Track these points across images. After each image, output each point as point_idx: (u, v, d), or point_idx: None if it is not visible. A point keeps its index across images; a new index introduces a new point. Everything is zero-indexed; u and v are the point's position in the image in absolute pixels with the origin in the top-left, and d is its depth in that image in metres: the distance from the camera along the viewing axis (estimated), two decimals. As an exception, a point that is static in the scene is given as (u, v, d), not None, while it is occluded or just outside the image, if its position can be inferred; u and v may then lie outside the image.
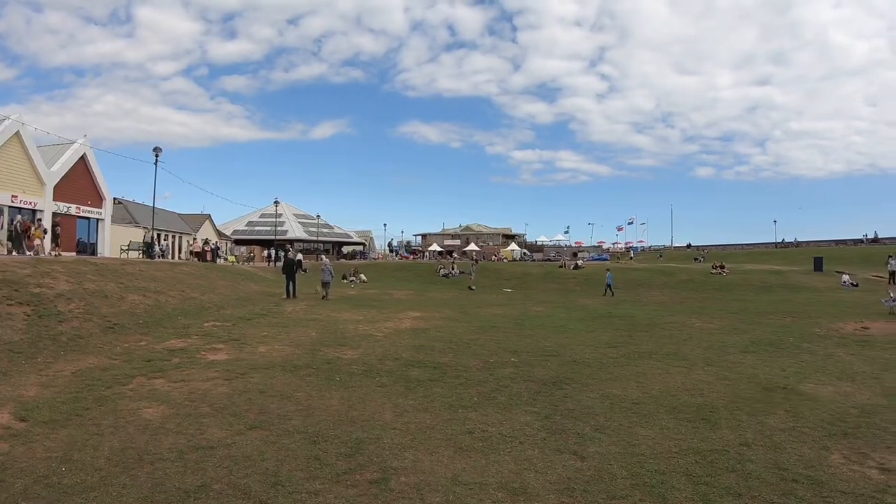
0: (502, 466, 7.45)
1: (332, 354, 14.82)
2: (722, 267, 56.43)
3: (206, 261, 46.47)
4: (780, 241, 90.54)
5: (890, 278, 43.06)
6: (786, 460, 7.77)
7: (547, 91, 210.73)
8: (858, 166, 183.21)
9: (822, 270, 53.97)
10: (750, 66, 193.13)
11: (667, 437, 8.71)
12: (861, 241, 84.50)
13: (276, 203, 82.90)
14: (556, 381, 12.22)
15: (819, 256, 58.87)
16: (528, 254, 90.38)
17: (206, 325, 19.25)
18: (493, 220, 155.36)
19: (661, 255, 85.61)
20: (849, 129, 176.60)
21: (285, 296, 29.50)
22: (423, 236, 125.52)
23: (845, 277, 45.14)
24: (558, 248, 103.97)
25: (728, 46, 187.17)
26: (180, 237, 71.25)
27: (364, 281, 49.51)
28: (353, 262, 77.28)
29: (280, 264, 41.74)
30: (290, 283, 29.86)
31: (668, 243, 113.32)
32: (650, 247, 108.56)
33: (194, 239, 69.61)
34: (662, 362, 14.75)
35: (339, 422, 9.07)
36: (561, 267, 62.14)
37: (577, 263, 64.25)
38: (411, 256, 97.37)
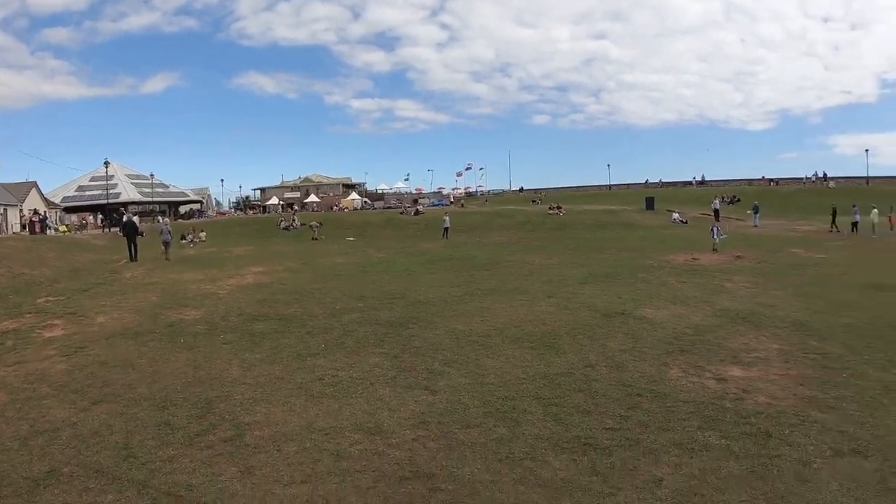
0: (356, 409, 8.14)
1: (174, 317, 15.06)
2: (558, 208, 61.48)
3: (35, 233, 47.71)
4: (693, 179, 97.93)
5: (714, 216, 50.12)
6: (629, 377, 9.23)
7: (386, 40, 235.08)
8: (688, 116, 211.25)
9: (653, 209, 61.08)
10: (588, 22, 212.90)
11: (514, 366, 9.90)
12: (690, 183, 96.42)
13: (107, 164, 77.67)
14: (402, 322, 13.27)
15: (650, 196, 66.37)
16: (369, 202, 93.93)
17: (39, 301, 18.48)
18: (332, 170, 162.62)
19: (486, 200, 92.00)
20: (679, 83, 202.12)
21: (129, 259, 31.04)
22: (262, 190, 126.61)
23: (675, 215, 51.74)
24: (399, 196, 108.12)
25: (568, 3, 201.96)
26: (5, 209, 63.45)
27: (203, 240, 51.51)
28: (190, 221, 75.80)
29: (117, 229, 43.67)
30: (132, 245, 31.52)
31: (506, 187, 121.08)
32: (489, 191, 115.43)
33: (23, 210, 63.98)
34: (505, 297, 16.24)
35: (186, 384, 9.33)
36: (402, 214, 65.48)
37: (417, 209, 67.47)
38: (251, 212, 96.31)
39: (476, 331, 12.21)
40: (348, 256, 31.70)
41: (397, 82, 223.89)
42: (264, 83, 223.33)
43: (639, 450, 6.83)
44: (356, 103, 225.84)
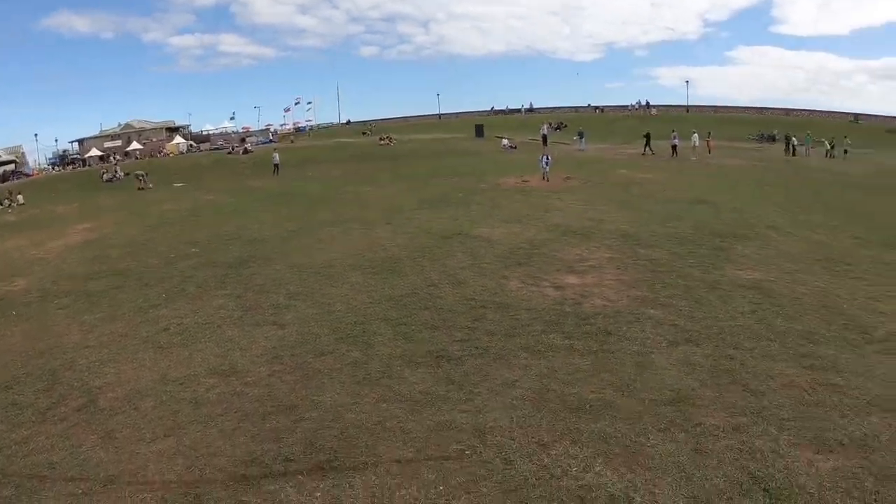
0: (207, 353, 8.21)
1: (1, 290, 13.79)
2: (389, 139, 61.77)
3: None
4: (522, 107, 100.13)
5: (543, 141, 52.88)
6: (471, 292, 9.94)
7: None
8: (517, 47, 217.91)
9: (483, 136, 63.11)
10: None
11: (359, 292, 10.29)
12: (518, 110, 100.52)
13: None
14: (241, 262, 13.23)
15: (479, 124, 68.45)
16: (195, 145, 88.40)
17: None
18: (154, 114, 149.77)
19: (309, 135, 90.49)
20: (508, 14, 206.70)
21: None
22: (81, 142, 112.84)
23: (505, 141, 53.88)
24: (226, 136, 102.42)
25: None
26: None
27: (22, 203, 44.90)
28: (6, 184, 66.05)
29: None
30: None
31: (335, 120, 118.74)
32: (318, 125, 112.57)
33: None
34: (342, 228, 16.44)
35: (27, 358, 8.82)
36: (230, 153, 63.77)
37: (245, 148, 66.11)
38: (70, 167, 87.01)
39: (317, 262, 12.44)
40: (178, 203, 30.17)
41: (220, 16, 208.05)
42: (77, 24, 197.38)
43: (489, 357, 7.51)
44: (176, 40, 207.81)
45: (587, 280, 10.45)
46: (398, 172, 34.69)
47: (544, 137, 52.25)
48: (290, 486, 5.27)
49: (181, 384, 7.29)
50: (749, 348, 7.76)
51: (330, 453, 5.75)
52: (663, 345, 7.89)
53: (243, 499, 5.13)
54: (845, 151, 41.50)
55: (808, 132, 45.35)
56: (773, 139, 55.04)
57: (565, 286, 10.12)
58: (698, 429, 6.01)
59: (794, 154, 41.63)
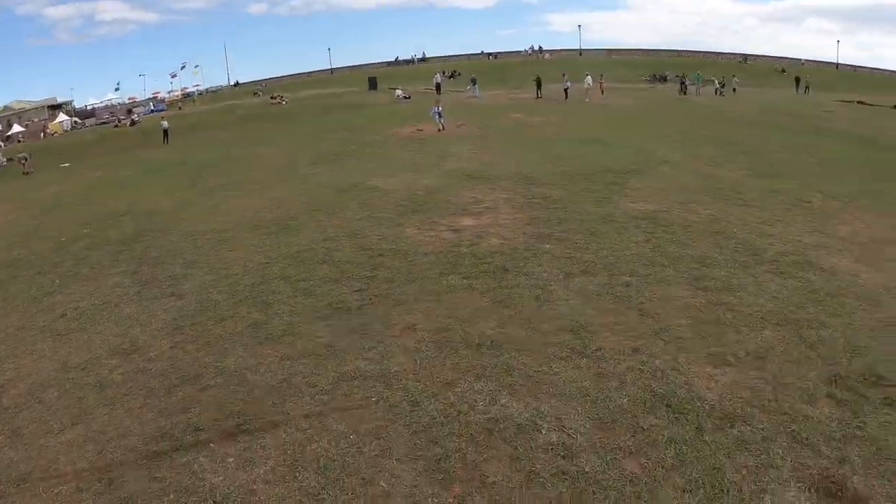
0: (106, 334, 7.77)
1: None
2: (280, 97, 59.97)
3: None
4: (414, 56, 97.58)
5: (436, 90, 52.51)
6: (368, 242, 9.86)
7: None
8: None
9: (376, 89, 62.10)
10: None
11: (256, 253, 9.99)
12: (411, 60, 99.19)
13: None
14: (133, 237, 12.48)
15: (373, 77, 67.23)
16: (80, 121, 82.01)
17: None
18: (35, 93, 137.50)
19: (194, 101, 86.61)
20: None
21: None
22: None
23: (398, 92, 53.25)
24: (112, 109, 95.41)
25: None
26: None
27: None
28: None
29: None
30: None
31: (224, 83, 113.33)
32: (207, 89, 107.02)
33: None
34: (237, 191, 15.88)
35: None
36: (116, 126, 61.20)
37: (133, 119, 62.69)
38: None
39: (212, 228, 11.95)
40: (65, 183, 27.95)
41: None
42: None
43: (389, 304, 7.47)
44: (51, 11, 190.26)
45: (483, 221, 10.53)
46: (291, 131, 33.73)
47: (437, 86, 52.01)
48: (203, 456, 5.08)
49: (83, 370, 6.90)
50: (644, 275, 8.07)
51: (239, 417, 5.58)
52: (560, 277, 8.07)
53: (157, 475, 4.91)
54: (734, 90, 43.67)
55: (699, 72, 47.24)
56: (664, 80, 56.93)
57: (462, 228, 10.17)
58: (599, 353, 6.21)
59: (685, 93, 43.27)
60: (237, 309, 7.85)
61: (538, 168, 15.05)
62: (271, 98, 61.33)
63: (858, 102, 40.20)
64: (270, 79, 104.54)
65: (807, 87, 48.60)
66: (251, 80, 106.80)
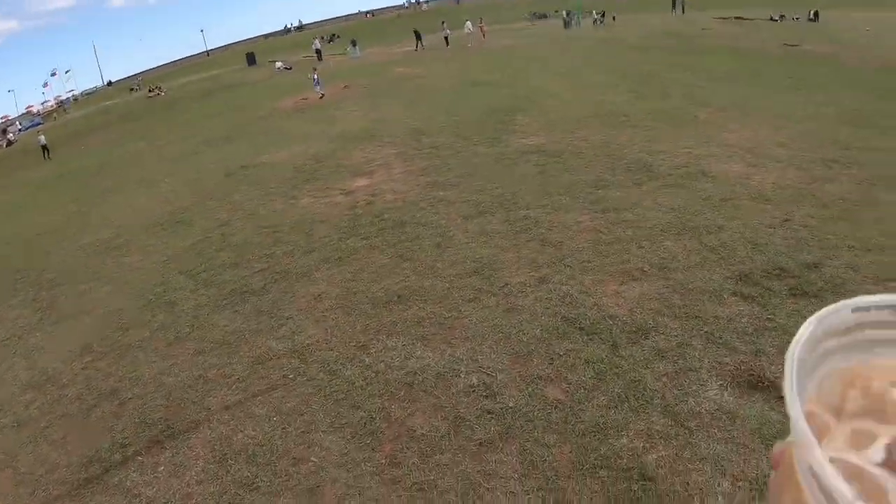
0: (16, 369, 7.11)
1: None
2: (158, 88, 56.97)
3: None
4: (290, 25, 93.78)
5: (317, 56, 50.92)
6: (264, 221, 9.50)
7: None
8: None
9: (256, 64, 59.62)
10: None
11: (153, 253, 9.43)
12: (288, 30, 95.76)
13: None
14: (27, 262, 11.24)
15: (250, 52, 64.39)
16: None
17: None
18: None
19: (66, 109, 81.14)
20: None
21: None
22: None
23: (278, 64, 51.27)
24: None
25: None
26: None
27: None
28: None
29: None
30: None
31: (99, 84, 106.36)
32: (82, 93, 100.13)
33: None
34: (125, 193, 14.96)
35: None
36: None
37: (8, 140, 57.71)
38: None
39: (105, 237, 11.10)
40: None
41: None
42: None
43: (292, 278, 7.20)
44: None
45: (376, 179, 10.29)
46: (173, 121, 32.05)
47: (318, 52, 50.59)
48: (133, 471, 4.79)
49: (0, 410, 6.36)
50: (541, 206, 8.08)
51: (162, 424, 5.28)
52: (459, 222, 7.99)
53: (92, 501, 4.60)
54: (613, 18, 44.15)
55: (579, 2, 47.50)
56: (545, 17, 56.92)
57: (355, 190, 9.91)
58: (506, 289, 6.20)
59: (566, 27, 43.43)
60: (142, 314, 7.38)
61: (426, 119, 14.80)
62: (149, 91, 58.09)
63: (736, 18, 41.37)
64: (146, 71, 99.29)
65: (683, 8, 49.78)
66: (126, 75, 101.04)
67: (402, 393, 4.96)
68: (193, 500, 4.40)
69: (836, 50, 23.53)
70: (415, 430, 4.58)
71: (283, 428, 4.89)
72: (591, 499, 3.82)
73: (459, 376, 5.02)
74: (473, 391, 4.85)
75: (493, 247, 7.12)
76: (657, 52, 24.26)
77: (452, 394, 4.85)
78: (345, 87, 25.35)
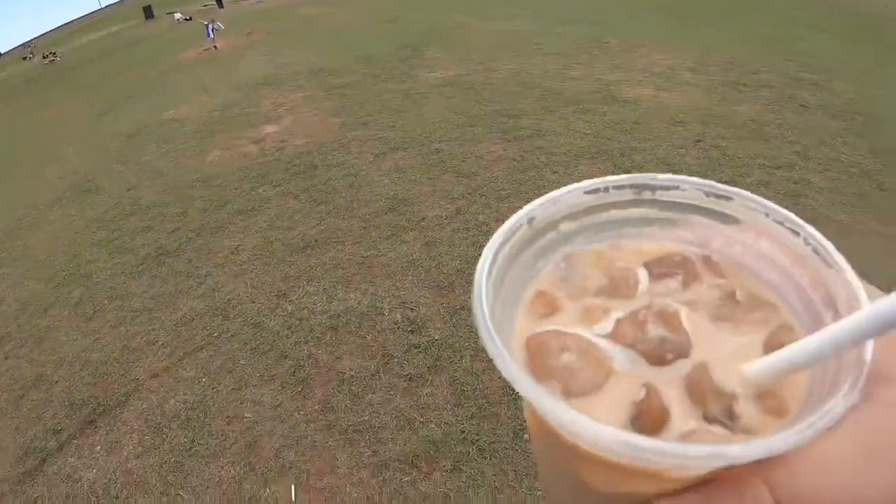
0: None
1: None
2: (53, 54, 53.02)
3: None
4: None
5: (218, 3, 48.00)
6: (172, 179, 8.95)
7: None
8: None
9: (154, 17, 55.92)
10: None
11: (62, 228, 8.78)
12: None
13: None
14: None
15: (147, 5, 60.16)
16: None
17: None
18: None
19: None
20: None
21: None
22: None
23: (178, 15, 48.10)
24: None
25: None
26: None
27: None
28: None
29: None
30: None
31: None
32: None
33: None
34: (27, 168, 13.64)
35: None
36: None
37: None
38: None
39: (9, 218, 10.19)
40: None
41: None
42: None
43: (207, 234, 6.83)
44: None
45: (285, 125, 9.77)
46: (71, 87, 29.89)
47: (218, 1, 47.86)
48: (71, 456, 4.53)
49: None
50: (454, 138, 7.85)
51: (92, 403, 4.98)
52: (371, 159, 7.69)
53: (35, 494, 4.33)
54: None
55: None
56: None
57: (264, 137, 9.39)
58: (423, 224, 6.03)
59: None
60: (58, 292, 6.84)
61: (333, 59, 14.07)
62: (44, 57, 53.91)
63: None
64: (38, 37, 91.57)
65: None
66: (16, 44, 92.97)
67: (328, 337, 4.81)
68: (134, 476, 4.21)
69: None
70: (344, 373, 4.46)
71: (214, 388, 4.70)
72: (524, 423, 3.82)
73: (383, 314, 4.90)
74: (398, 328, 4.73)
75: (407, 182, 6.90)
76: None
77: (378, 332, 4.73)
78: (248, 33, 24.04)
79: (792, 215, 0.37)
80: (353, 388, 4.33)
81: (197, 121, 11.55)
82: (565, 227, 0.43)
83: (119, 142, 12.09)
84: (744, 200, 0.39)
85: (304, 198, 7.00)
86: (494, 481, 3.64)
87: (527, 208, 0.42)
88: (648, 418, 0.33)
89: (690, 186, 0.41)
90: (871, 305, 0.29)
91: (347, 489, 3.77)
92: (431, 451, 3.86)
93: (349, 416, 4.15)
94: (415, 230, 5.93)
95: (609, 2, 17.96)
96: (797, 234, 0.37)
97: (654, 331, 0.37)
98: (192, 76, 17.67)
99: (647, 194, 0.42)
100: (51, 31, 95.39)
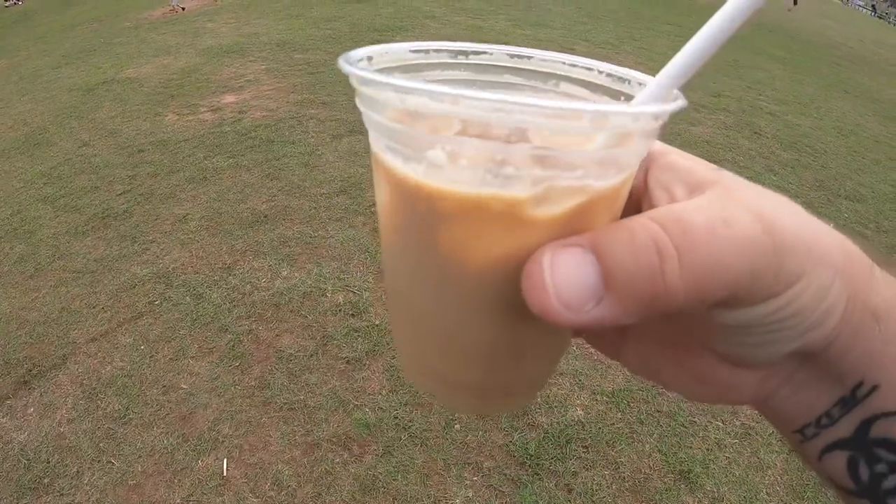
0: None
1: None
2: (11, -5, 49.33)
3: None
4: None
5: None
6: (126, 140, 8.41)
7: None
8: None
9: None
10: None
11: (7, 180, 8.10)
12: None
13: None
14: None
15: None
16: None
17: None
18: None
19: None
20: None
21: None
22: None
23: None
24: None
25: None
26: None
27: None
28: None
29: None
30: None
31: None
32: None
33: None
34: None
35: None
36: None
37: None
38: None
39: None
40: None
41: None
42: None
43: (156, 200, 6.45)
44: None
45: (245, 96, 9.27)
46: (32, 32, 28.08)
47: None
48: (2, 416, 4.18)
49: None
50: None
51: (28, 363, 4.61)
52: (328, 140, 7.40)
53: None
54: None
55: None
56: None
57: (223, 107, 8.89)
58: (373, 209, 5.83)
59: None
60: (4, 240, 6.39)
61: (300, 34, 13.49)
62: (5, 1, 50.43)
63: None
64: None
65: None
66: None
67: (270, 314, 4.60)
68: (66, 440, 3.94)
69: (718, 2, 23.59)
70: (283, 351, 4.28)
71: (151, 356, 4.45)
72: (453, 414, 3.75)
73: (326, 295, 4.72)
74: (340, 310, 4.57)
75: (361, 166, 6.64)
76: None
77: (319, 313, 4.55)
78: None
79: (582, 59, 0.42)
80: (291, 366, 4.17)
81: (156, 82, 10.87)
82: (397, 76, 0.44)
83: (74, 96, 11.34)
84: (540, 58, 0.43)
85: (258, 172, 6.67)
86: (423, 467, 3.56)
87: (363, 49, 0.44)
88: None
89: (497, 51, 0.45)
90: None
91: (279, 466, 3.64)
92: (364, 435, 3.75)
93: (285, 395, 3.99)
94: (364, 215, 5.74)
95: (581, 10, 17.90)
96: (590, 69, 0.41)
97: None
98: (155, 35, 16.76)
99: (461, 58, 0.45)
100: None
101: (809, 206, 5.13)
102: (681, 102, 0.34)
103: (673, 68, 0.34)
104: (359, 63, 0.43)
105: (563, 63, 0.42)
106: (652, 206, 0.37)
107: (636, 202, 0.39)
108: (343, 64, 0.37)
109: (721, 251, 0.30)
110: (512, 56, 0.44)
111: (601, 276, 0.31)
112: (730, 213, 0.32)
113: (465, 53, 0.45)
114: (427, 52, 0.45)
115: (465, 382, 0.42)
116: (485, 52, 0.45)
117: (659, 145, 0.40)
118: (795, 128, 9.28)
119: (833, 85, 13.47)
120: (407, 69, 0.45)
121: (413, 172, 0.34)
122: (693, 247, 0.30)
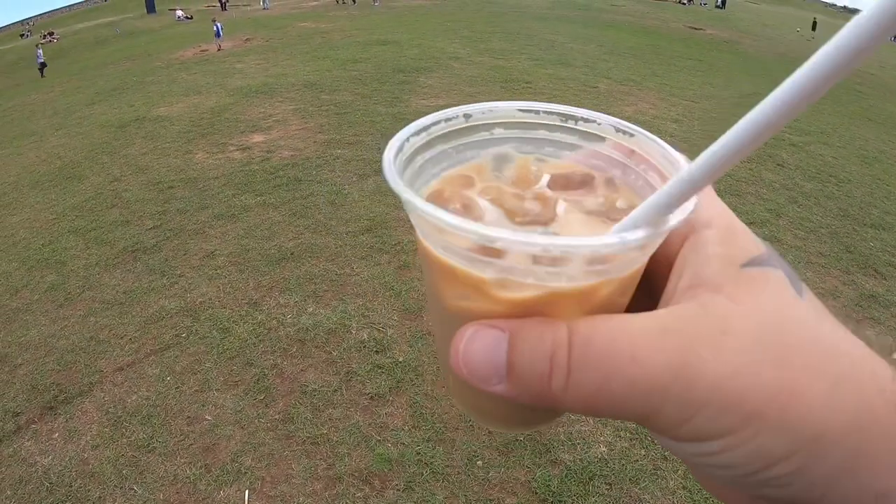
0: None
1: None
2: (51, 34, 52.13)
3: None
4: None
5: (220, 5, 47.73)
6: (157, 176, 8.78)
7: None
8: None
9: (155, 11, 55.35)
10: None
11: (41, 211, 8.50)
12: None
13: None
14: None
15: (150, -1, 59.57)
16: None
17: None
18: None
19: None
20: None
21: None
22: None
23: (179, 13, 47.72)
24: None
25: None
26: None
27: None
28: None
29: None
30: None
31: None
32: None
33: None
34: (11, 148, 13.26)
35: None
36: None
37: None
38: None
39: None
40: None
41: None
42: None
43: (185, 235, 6.75)
44: None
45: (273, 135, 9.72)
46: (65, 70, 29.26)
47: (221, 2, 47.74)
48: (28, 440, 4.40)
49: None
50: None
51: (54, 389, 4.85)
52: (354, 180, 7.71)
53: None
54: None
55: None
56: None
57: (251, 146, 9.32)
58: (398, 247, 6.07)
59: None
60: (31, 276, 6.66)
61: (328, 75, 14.08)
62: (42, 37, 52.92)
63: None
64: (39, 15, 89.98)
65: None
66: (16, 20, 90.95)
67: (295, 349, 4.80)
68: (90, 466, 4.12)
69: (738, 37, 24.24)
70: (307, 386, 4.45)
71: (177, 387, 4.64)
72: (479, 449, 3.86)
73: (351, 332, 4.91)
74: (364, 346, 4.75)
75: (387, 205, 6.91)
76: (563, 23, 24.22)
77: (344, 349, 4.74)
78: (246, 39, 23.97)
79: (675, 153, 0.42)
80: (315, 401, 4.33)
81: (186, 121, 11.39)
82: (498, 132, 0.48)
83: (107, 132, 11.88)
84: (643, 137, 0.44)
85: (285, 210, 6.98)
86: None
87: (464, 107, 0.47)
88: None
89: (605, 122, 0.46)
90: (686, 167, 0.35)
91: (300, 499, 3.76)
92: (386, 470, 3.87)
93: (308, 429, 4.15)
94: (389, 253, 5.97)
95: (602, 48, 18.35)
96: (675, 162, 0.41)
97: (527, 203, 0.42)
98: (186, 75, 17.48)
99: (570, 123, 0.47)
100: (52, 10, 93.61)
101: (834, 235, 5.27)
102: (672, 222, 0.35)
103: (707, 163, 0.33)
104: (453, 120, 0.47)
105: (656, 143, 0.43)
106: (671, 280, 0.38)
107: (669, 267, 0.39)
108: (420, 207, 0.34)
109: (614, 382, 0.32)
110: (617, 130, 0.45)
111: (506, 362, 0.34)
112: (647, 350, 0.32)
113: (575, 119, 0.47)
114: (537, 112, 0.47)
115: (484, 410, 0.47)
116: (593, 121, 0.46)
117: (709, 211, 0.40)
118: (818, 158, 9.39)
119: (855, 113, 13.55)
120: (514, 127, 0.48)
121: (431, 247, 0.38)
122: (586, 369, 0.33)
